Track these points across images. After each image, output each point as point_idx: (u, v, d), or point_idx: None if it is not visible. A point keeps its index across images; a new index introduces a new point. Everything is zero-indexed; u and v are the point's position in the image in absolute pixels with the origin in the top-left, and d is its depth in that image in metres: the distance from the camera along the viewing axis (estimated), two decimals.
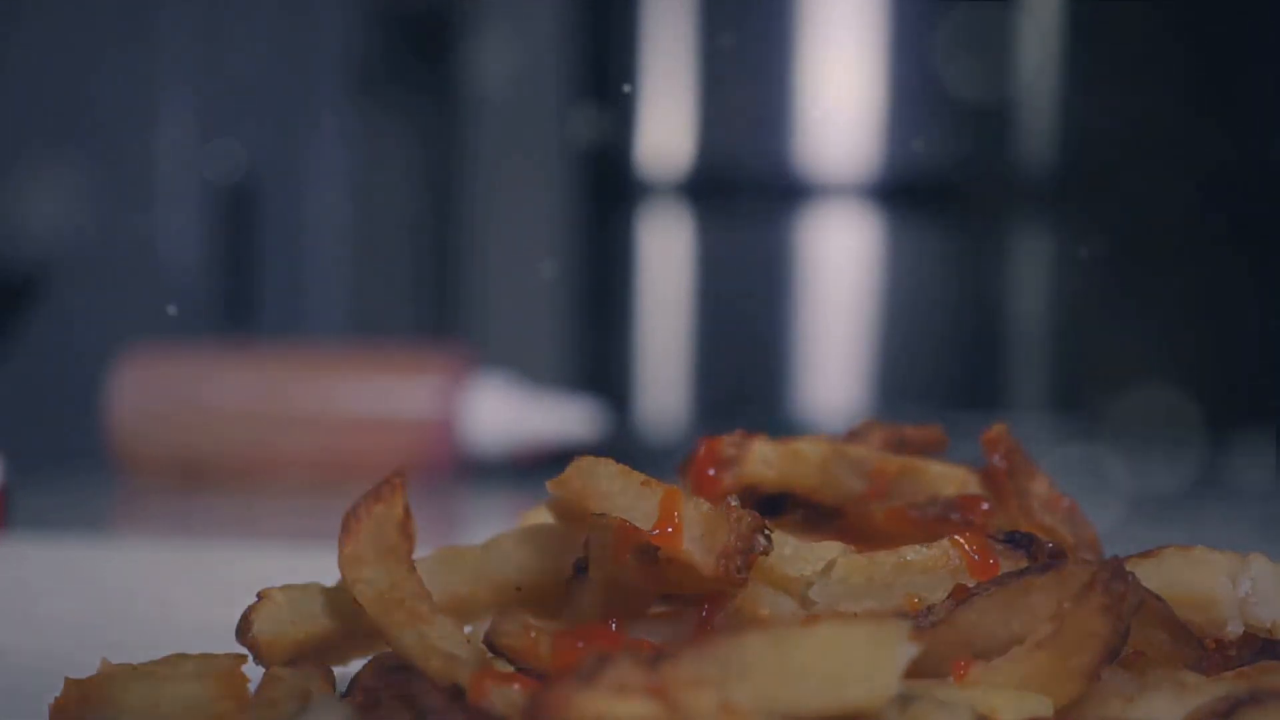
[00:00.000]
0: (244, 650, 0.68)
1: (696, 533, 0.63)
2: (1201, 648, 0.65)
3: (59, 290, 2.44)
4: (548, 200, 2.68)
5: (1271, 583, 0.66)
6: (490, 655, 0.65)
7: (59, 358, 2.36)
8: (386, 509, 0.67)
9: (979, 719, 0.56)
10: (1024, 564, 0.65)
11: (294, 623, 0.69)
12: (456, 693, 0.61)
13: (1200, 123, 2.55)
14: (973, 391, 2.64)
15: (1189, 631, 0.65)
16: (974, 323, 2.67)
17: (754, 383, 2.64)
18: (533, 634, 0.64)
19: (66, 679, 0.66)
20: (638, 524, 0.64)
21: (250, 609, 0.69)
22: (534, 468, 1.72)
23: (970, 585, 0.64)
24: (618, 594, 0.65)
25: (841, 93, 2.55)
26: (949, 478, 0.75)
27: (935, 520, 0.72)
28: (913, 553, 0.66)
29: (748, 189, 2.62)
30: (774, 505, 0.73)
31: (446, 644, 0.63)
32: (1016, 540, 0.67)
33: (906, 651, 0.54)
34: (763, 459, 0.72)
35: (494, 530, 0.72)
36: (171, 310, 2.36)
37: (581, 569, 0.66)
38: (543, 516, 0.74)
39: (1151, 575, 0.65)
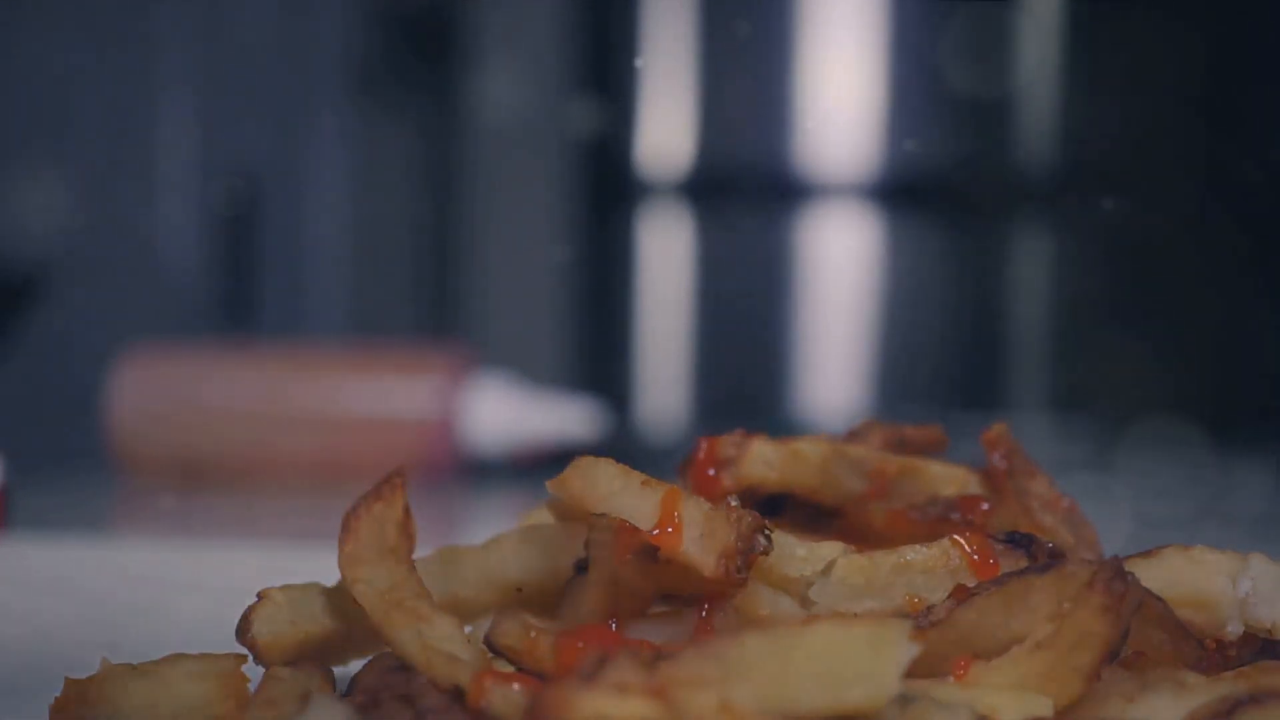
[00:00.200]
0: (244, 650, 0.68)
1: (696, 533, 0.63)
2: (1201, 648, 0.65)
3: (59, 290, 2.44)
4: (547, 200, 2.68)
5: (1271, 583, 0.66)
6: (490, 655, 0.65)
7: (59, 358, 2.36)
8: (386, 509, 0.67)
9: (979, 719, 0.56)
10: (1024, 564, 0.65)
11: (294, 623, 0.69)
12: (456, 693, 0.61)
13: (1201, 122, 2.55)
14: (973, 392, 2.64)
15: (1189, 631, 0.65)
16: (974, 323, 2.67)
17: (754, 383, 2.64)
18: (533, 634, 0.64)
19: (66, 679, 0.67)
20: (638, 524, 0.64)
21: (250, 609, 0.69)
22: (534, 468, 1.71)
23: (970, 585, 0.64)
24: (618, 594, 0.65)
25: (841, 93, 2.55)
26: (949, 478, 0.75)
27: (935, 520, 0.72)
28: (913, 553, 0.66)
29: (748, 189, 2.62)
30: (774, 505, 0.73)
31: (446, 644, 0.63)
32: (1016, 540, 0.67)
33: (906, 651, 0.54)
34: (763, 459, 0.72)
35: (494, 530, 0.72)
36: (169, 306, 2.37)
37: (581, 569, 0.66)
38: (543, 516, 0.74)
39: (1151, 575, 0.65)
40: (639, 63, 2.55)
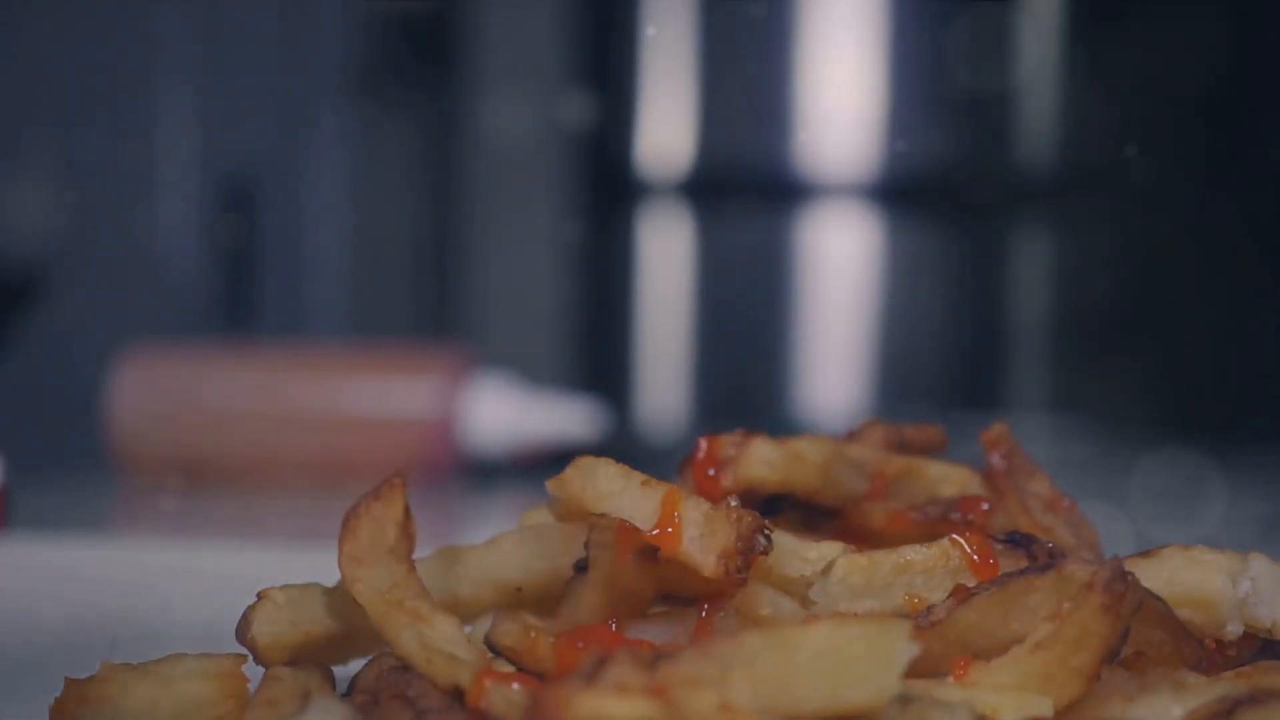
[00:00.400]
0: (244, 650, 0.68)
1: (696, 533, 0.63)
2: (1201, 648, 0.65)
3: (59, 290, 2.44)
4: (548, 200, 2.68)
5: (1271, 583, 0.66)
6: (490, 655, 0.65)
7: (59, 358, 2.36)
8: (386, 509, 0.67)
9: (979, 719, 0.56)
10: (1024, 564, 0.65)
11: (294, 623, 0.69)
12: (456, 693, 0.61)
13: (1201, 122, 2.55)
14: (973, 391, 2.64)
15: (1189, 631, 0.65)
16: (974, 323, 2.67)
17: (754, 383, 2.64)
18: (533, 634, 0.64)
19: (66, 679, 0.67)
20: (638, 524, 0.64)
21: (250, 609, 0.69)
22: (534, 468, 1.71)
23: (970, 585, 0.64)
24: (618, 594, 0.65)
25: (841, 92, 2.55)
26: (949, 478, 0.75)
27: (935, 520, 0.72)
28: (913, 553, 0.66)
29: (748, 188, 2.62)
30: (774, 505, 0.73)
31: (446, 644, 0.63)
32: (1016, 540, 0.67)
33: (906, 651, 0.54)
34: (763, 459, 0.72)
35: (494, 530, 0.72)
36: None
37: (581, 569, 0.66)
38: (543, 516, 0.74)
39: (1151, 575, 0.65)
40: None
